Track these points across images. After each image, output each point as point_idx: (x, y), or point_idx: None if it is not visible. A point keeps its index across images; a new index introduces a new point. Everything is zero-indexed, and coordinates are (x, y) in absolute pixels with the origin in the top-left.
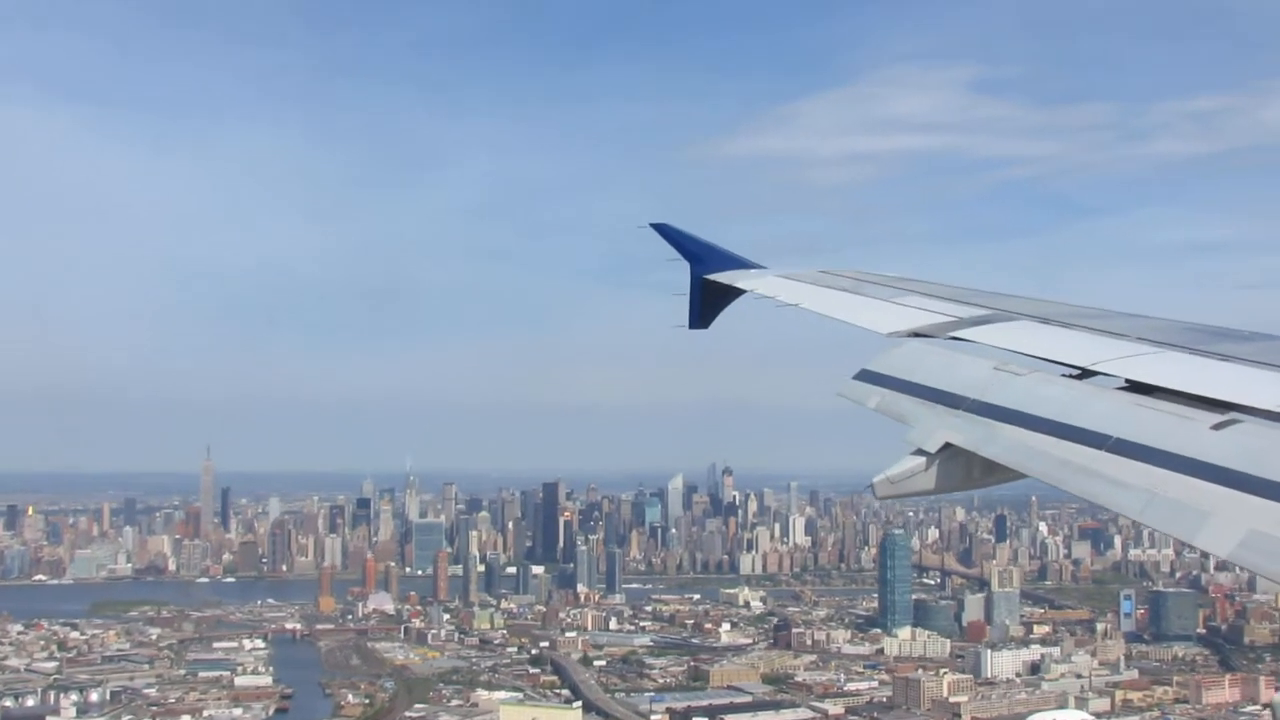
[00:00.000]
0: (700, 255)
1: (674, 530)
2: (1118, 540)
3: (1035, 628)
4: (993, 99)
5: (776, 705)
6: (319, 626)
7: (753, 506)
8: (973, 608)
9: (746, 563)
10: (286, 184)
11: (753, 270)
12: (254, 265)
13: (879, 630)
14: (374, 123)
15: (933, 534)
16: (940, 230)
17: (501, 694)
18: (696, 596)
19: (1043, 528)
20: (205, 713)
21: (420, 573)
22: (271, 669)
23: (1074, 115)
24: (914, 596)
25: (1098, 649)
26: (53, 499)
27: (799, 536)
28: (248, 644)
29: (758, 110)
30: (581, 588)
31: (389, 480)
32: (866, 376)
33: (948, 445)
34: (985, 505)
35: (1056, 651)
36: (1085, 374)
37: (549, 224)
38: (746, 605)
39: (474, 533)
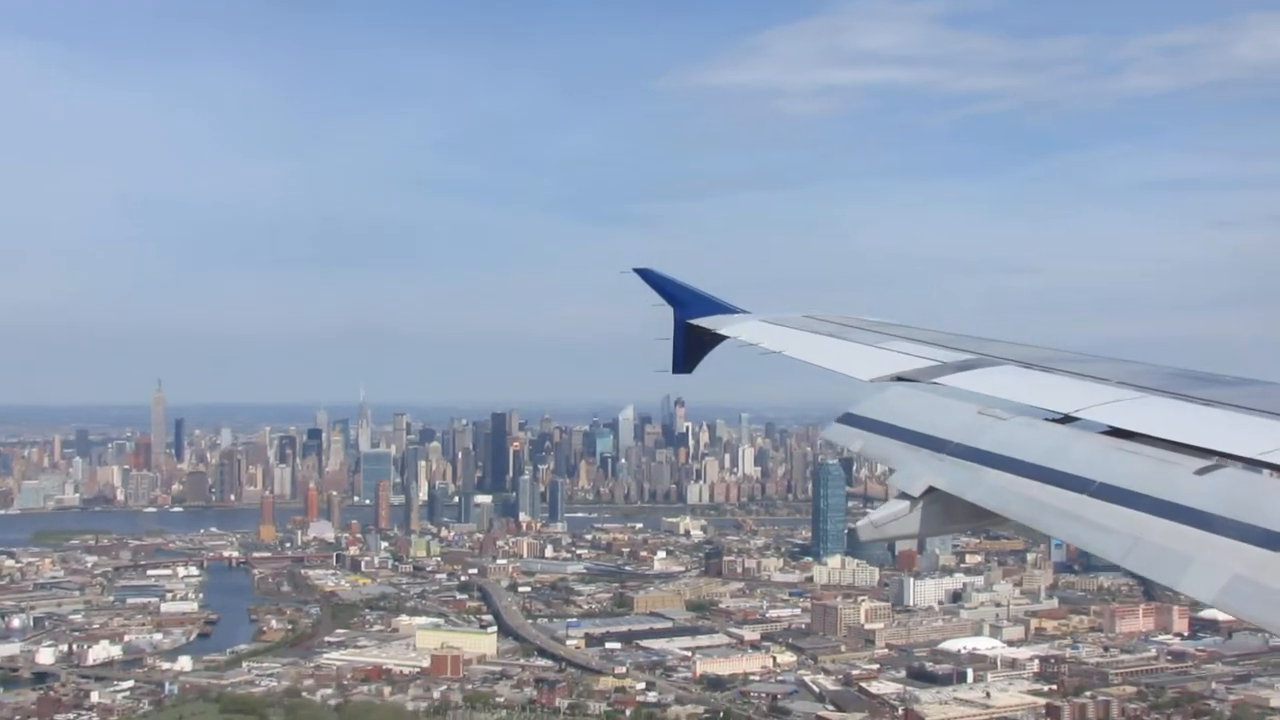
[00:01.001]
0: (683, 300)
1: (624, 461)
2: None
3: (968, 557)
4: (963, 32)
5: (694, 631)
6: (256, 554)
7: (704, 437)
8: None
9: (694, 493)
10: (242, 118)
11: (736, 315)
12: (210, 199)
13: (811, 559)
14: (335, 56)
15: (882, 465)
16: (910, 164)
17: (422, 619)
18: (639, 526)
19: None
20: (126, 637)
21: (367, 502)
22: (201, 596)
23: (1045, 49)
24: (852, 525)
25: (1024, 578)
26: (12, 430)
27: (748, 467)
28: (181, 571)
29: (728, 42)
30: (524, 516)
31: (344, 412)
32: (850, 420)
33: (931, 489)
34: None
35: (980, 580)
36: (1069, 419)
37: (515, 158)
38: (686, 534)
39: (423, 463)
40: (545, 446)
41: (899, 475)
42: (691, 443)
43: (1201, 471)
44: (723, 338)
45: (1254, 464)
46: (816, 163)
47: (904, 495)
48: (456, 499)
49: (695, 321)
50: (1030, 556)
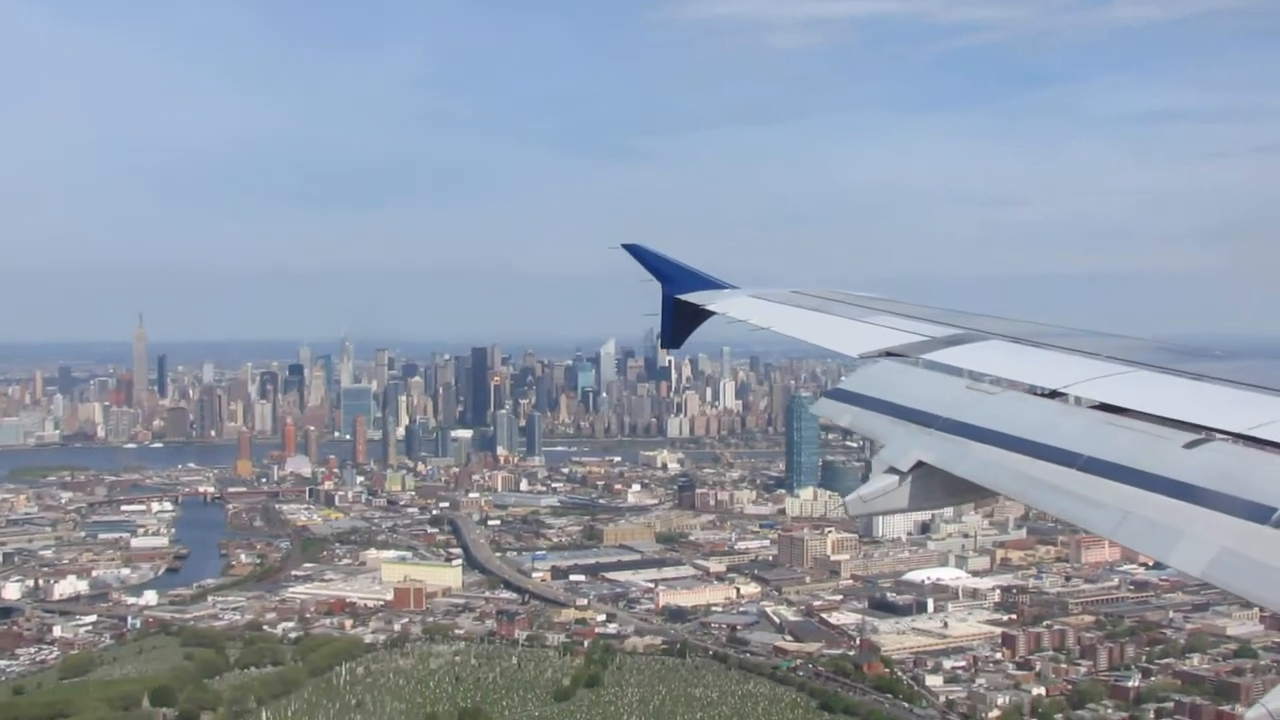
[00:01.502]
0: (672, 276)
1: (605, 395)
2: None
3: None
4: None
5: (660, 563)
6: (231, 490)
7: (686, 371)
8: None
9: (674, 426)
10: (227, 54)
11: (725, 290)
12: (196, 136)
13: (783, 492)
14: None
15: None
16: (897, 98)
17: (390, 553)
18: (617, 459)
19: None
20: (94, 573)
21: (348, 438)
22: (173, 531)
23: None
24: (834, 459)
25: (995, 510)
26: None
27: (729, 400)
28: (156, 507)
29: None
30: (501, 451)
31: (329, 349)
32: (839, 395)
33: (920, 464)
34: None
35: (949, 512)
36: (1057, 394)
37: (506, 92)
38: (663, 468)
39: (403, 398)
40: (528, 381)
41: (888, 450)
42: (674, 376)
43: (1190, 445)
44: (710, 313)
45: (1242, 438)
46: (806, 96)
47: (893, 470)
48: (435, 434)
49: (683, 297)
50: None
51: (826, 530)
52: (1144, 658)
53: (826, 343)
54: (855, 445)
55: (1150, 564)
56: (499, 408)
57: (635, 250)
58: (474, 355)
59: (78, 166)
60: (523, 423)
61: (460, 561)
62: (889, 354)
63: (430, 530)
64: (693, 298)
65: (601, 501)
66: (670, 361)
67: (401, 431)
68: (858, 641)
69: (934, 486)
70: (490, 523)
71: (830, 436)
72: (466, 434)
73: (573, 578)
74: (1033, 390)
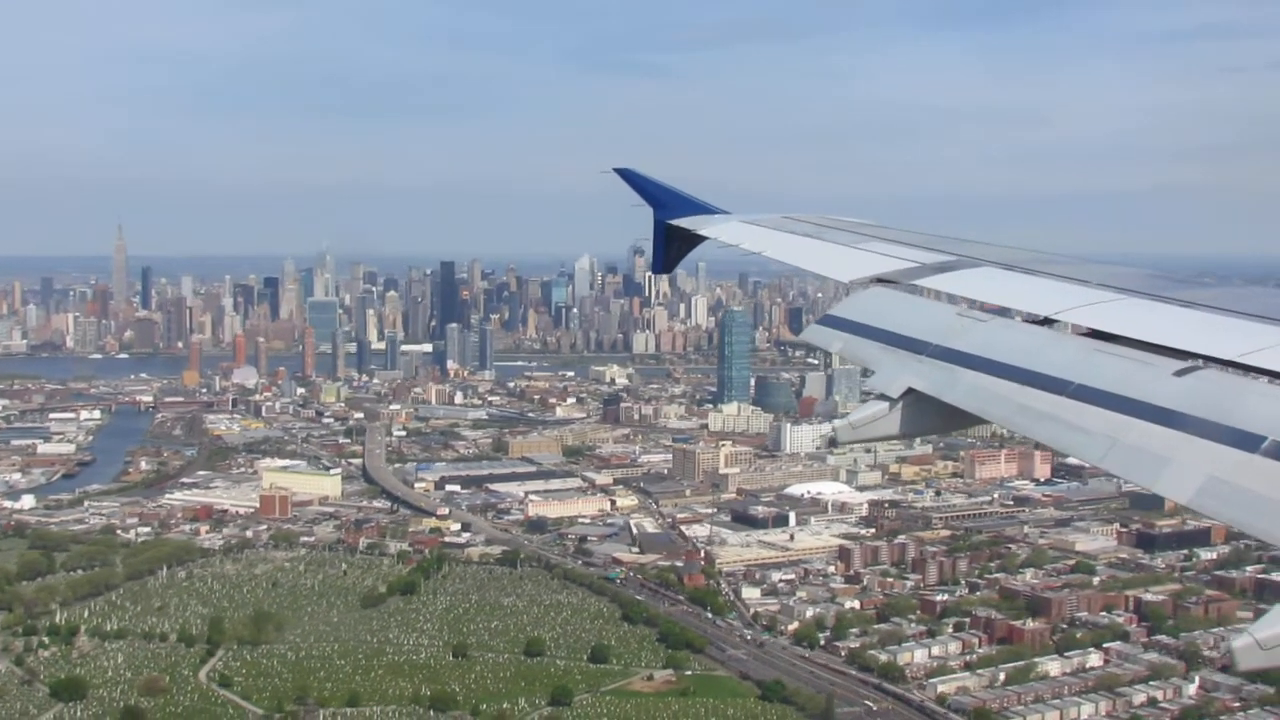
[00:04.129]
0: (663, 201)
1: (576, 310)
2: None
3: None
4: None
5: (549, 475)
6: (168, 399)
7: (664, 287)
8: (814, 384)
9: (640, 342)
10: None
11: (716, 216)
12: (191, 46)
13: (709, 406)
14: None
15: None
16: (918, 14)
17: (279, 461)
18: (570, 374)
19: None
20: None
21: (325, 349)
22: (90, 439)
23: None
24: (781, 375)
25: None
26: None
27: (700, 317)
28: (84, 415)
29: None
30: (452, 364)
31: (314, 263)
32: (830, 321)
33: (910, 390)
34: None
35: None
36: (1048, 321)
37: (514, 6)
38: (611, 382)
39: (371, 311)
40: (503, 296)
41: (878, 376)
42: (648, 292)
43: (1180, 373)
44: (702, 238)
45: (1232, 366)
46: (824, 10)
47: (883, 396)
48: (387, 347)
49: (675, 222)
50: None
51: (722, 444)
52: (977, 572)
53: (817, 268)
54: (815, 361)
55: (1043, 480)
56: (466, 322)
57: (627, 175)
58: (443, 269)
59: (77, 79)
60: (475, 337)
61: (339, 471)
62: (880, 280)
63: (342, 441)
64: (684, 223)
65: (531, 415)
66: (646, 277)
67: (354, 346)
68: (691, 553)
69: (924, 413)
70: (400, 434)
71: (765, 351)
72: (421, 348)
73: (450, 489)
74: (1023, 317)
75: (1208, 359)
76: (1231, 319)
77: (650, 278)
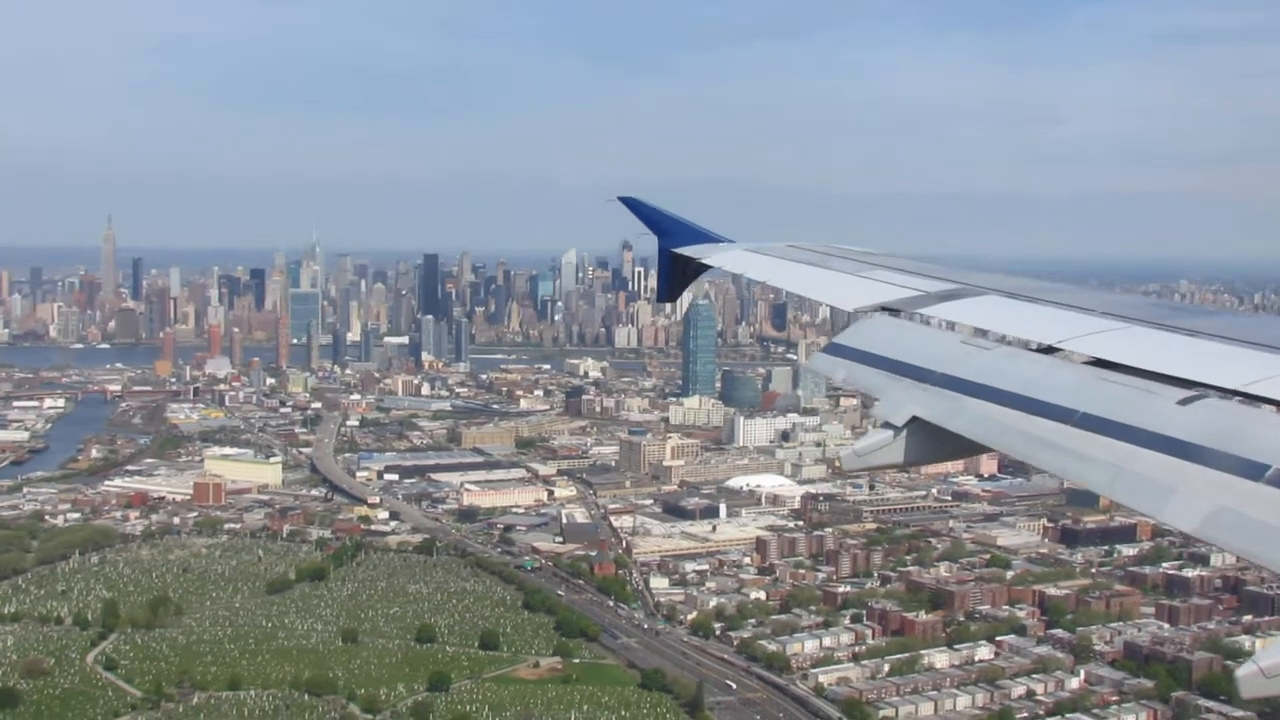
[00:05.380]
0: (667, 229)
1: (561, 304)
2: None
3: (842, 400)
4: None
5: (494, 465)
6: (136, 388)
7: (651, 283)
8: (780, 379)
9: (622, 336)
10: None
11: (721, 244)
12: (197, 36)
13: (672, 399)
14: None
15: (824, 312)
16: (934, 12)
17: (227, 450)
18: (546, 367)
19: None
20: None
21: (295, 341)
22: (48, 427)
23: None
24: (759, 369)
25: (861, 420)
26: None
27: (684, 312)
28: (48, 403)
29: None
30: (427, 356)
31: (305, 256)
32: (834, 350)
33: (915, 419)
34: None
35: (815, 420)
36: (1052, 350)
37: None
38: (584, 375)
39: (354, 303)
40: (490, 289)
41: (882, 404)
42: (633, 286)
43: (1184, 402)
44: (707, 267)
45: (1236, 395)
46: (837, 8)
47: (887, 425)
48: (362, 339)
49: (679, 250)
50: None
51: (668, 436)
52: (892, 565)
53: (821, 297)
54: (769, 356)
55: (983, 475)
56: (448, 315)
57: (631, 203)
58: (426, 262)
59: (75, 71)
60: (451, 330)
61: (279, 459)
62: (884, 309)
63: (298, 431)
64: (688, 251)
65: (495, 407)
66: (635, 272)
67: (354, 336)
68: (604, 543)
69: (929, 442)
70: (354, 424)
71: (748, 346)
72: (399, 340)
73: (390, 478)
74: (1027, 345)
75: (1211, 388)
76: (1235, 348)
77: (638, 272)
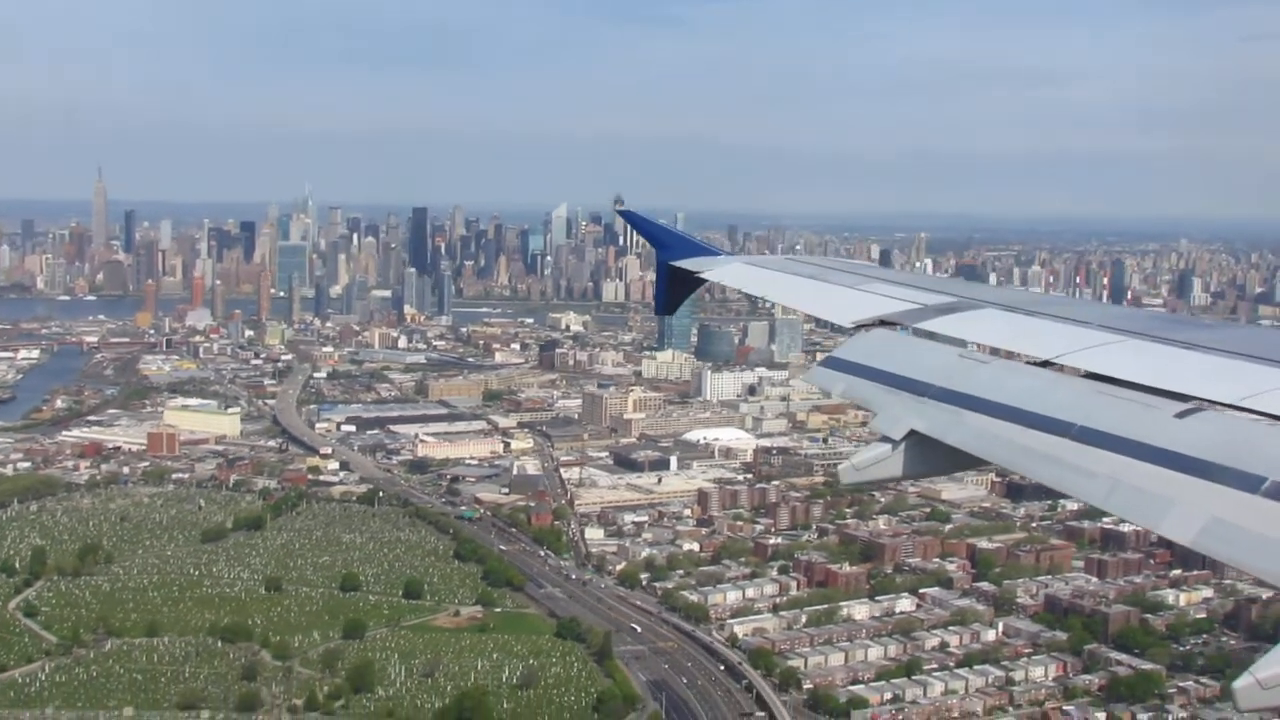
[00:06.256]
0: (666, 242)
1: (550, 258)
2: (992, 277)
3: (818, 355)
4: None
5: (456, 418)
6: (113, 340)
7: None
8: (756, 334)
9: (609, 290)
10: None
11: (719, 257)
12: None
13: (648, 354)
14: None
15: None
16: None
17: (193, 401)
18: (530, 320)
19: (929, 264)
20: None
21: (281, 293)
22: (19, 377)
23: None
24: (739, 324)
25: None
26: None
27: None
28: (22, 354)
29: None
30: (409, 309)
31: (299, 209)
32: (832, 363)
33: (913, 432)
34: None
35: (783, 375)
36: (1050, 363)
37: None
38: (566, 329)
39: (342, 256)
40: (481, 243)
41: (881, 418)
42: (624, 241)
43: (1181, 415)
44: (704, 280)
45: (1232, 409)
46: None
47: (885, 438)
48: (343, 293)
49: (677, 264)
50: None
51: (631, 388)
52: (832, 517)
53: (819, 311)
54: (755, 310)
55: None
56: (435, 269)
57: (629, 216)
58: (414, 215)
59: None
60: (432, 283)
61: (238, 410)
62: (883, 322)
63: (267, 383)
64: (686, 264)
65: (471, 360)
66: (626, 227)
67: (311, 291)
68: (543, 494)
69: (927, 455)
70: (321, 376)
71: (737, 302)
72: (382, 294)
73: (345, 429)
74: (1025, 359)
75: (1208, 402)
76: (1232, 361)
77: (628, 227)
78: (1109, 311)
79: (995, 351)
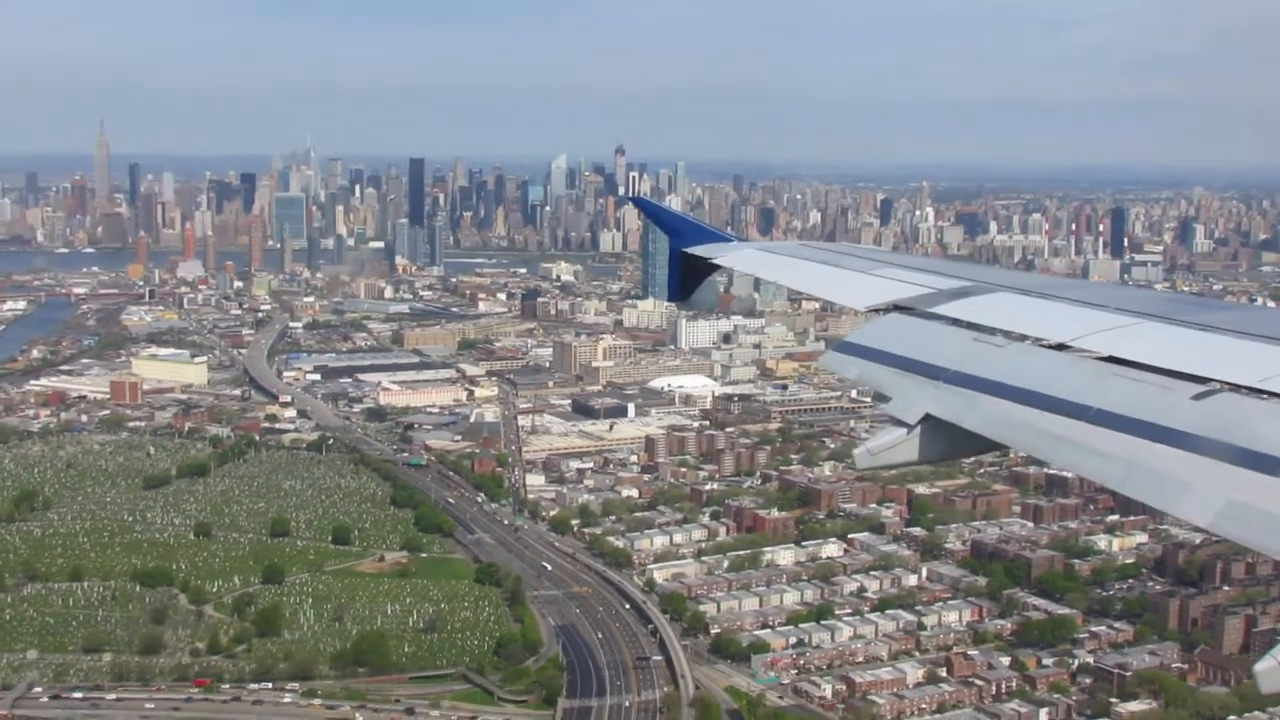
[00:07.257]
0: (677, 229)
1: (548, 209)
2: (993, 226)
3: (804, 304)
4: None
5: (425, 366)
6: (102, 291)
7: (644, 188)
8: (742, 283)
9: (606, 240)
10: None
11: (731, 244)
12: None
13: (630, 302)
14: None
15: (815, 217)
16: None
17: (163, 351)
18: (523, 270)
19: (930, 213)
20: None
21: (275, 245)
22: (2, 328)
23: None
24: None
25: (796, 321)
26: None
27: None
28: (9, 305)
29: None
30: (401, 260)
31: (304, 162)
32: (846, 348)
33: (928, 416)
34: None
35: (760, 323)
36: (1065, 346)
37: None
38: (556, 279)
39: (340, 207)
40: (481, 194)
41: (895, 402)
42: (624, 190)
43: (1198, 397)
44: (717, 266)
45: (1250, 390)
46: None
47: (900, 422)
48: (334, 243)
49: (690, 250)
50: None
51: (601, 337)
52: (777, 464)
53: (833, 296)
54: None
55: None
56: (431, 220)
57: (641, 203)
58: (411, 166)
59: None
60: (426, 234)
61: (204, 359)
62: (896, 307)
63: (245, 333)
64: (699, 251)
65: (455, 310)
66: (628, 177)
67: (303, 243)
68: (489, 441)
69: (942, 439)
70: (297, 326)
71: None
72: (374, 245)
73: (311, 378)
74: (1040, 342)
75: (1225, 384)
76: (1248, 342)
77: (631, 177)
78: (1125, 294)
79: (1009, 335)
